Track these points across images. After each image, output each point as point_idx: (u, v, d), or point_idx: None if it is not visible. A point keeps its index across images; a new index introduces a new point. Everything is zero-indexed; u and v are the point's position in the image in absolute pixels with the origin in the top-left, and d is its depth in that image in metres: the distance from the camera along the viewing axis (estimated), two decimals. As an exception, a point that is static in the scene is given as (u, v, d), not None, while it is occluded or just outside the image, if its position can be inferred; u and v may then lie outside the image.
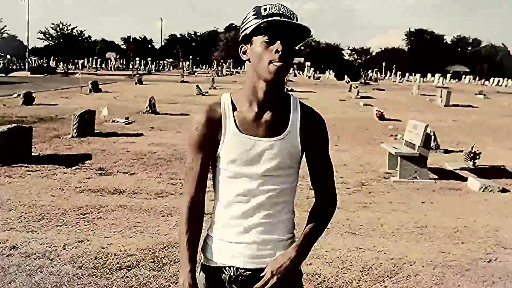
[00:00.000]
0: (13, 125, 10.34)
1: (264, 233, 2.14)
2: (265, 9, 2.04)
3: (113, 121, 15.76)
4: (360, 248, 5.82)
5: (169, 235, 6.00)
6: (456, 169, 10.38)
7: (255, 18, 2.05)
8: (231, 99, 2.18)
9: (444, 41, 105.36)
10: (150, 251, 5.47)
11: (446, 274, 5.23)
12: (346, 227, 6.58)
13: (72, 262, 5.13)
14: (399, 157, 9.50)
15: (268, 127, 2.13)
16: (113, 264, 5.10)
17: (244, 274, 2.13)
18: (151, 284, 4.72)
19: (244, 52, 2.14)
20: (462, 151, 11.49)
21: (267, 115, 2.13)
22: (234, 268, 2.13)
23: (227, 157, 2.12)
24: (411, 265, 5.41)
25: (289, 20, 2.01)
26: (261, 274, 2.09)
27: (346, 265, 5.32)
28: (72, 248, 5.52)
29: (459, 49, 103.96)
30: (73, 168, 9.37)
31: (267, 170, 2.11)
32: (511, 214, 7.54)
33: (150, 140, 12.90)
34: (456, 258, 5.66)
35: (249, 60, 2.12)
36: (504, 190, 8.81)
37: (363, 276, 5.08)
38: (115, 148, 11.50)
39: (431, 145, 11.27)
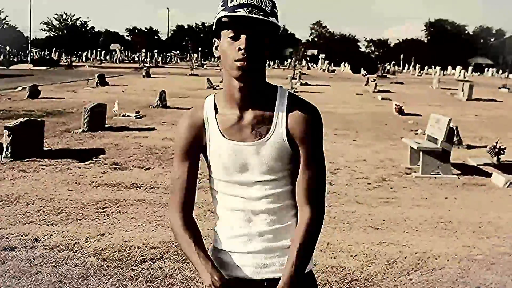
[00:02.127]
0: (25, 118, 10.30)
1: (269, 240, 2.00)
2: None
3: (123, 115, 15.58)
4: (383, 242, 5.78)
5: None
6: (479, 165, 10.22)
7: (222, 10, 1.84)
8: (214, 101, 2.00)
9: (466, 32, 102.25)
10: (172, 244, 5.45)
11: (471, 267, 5.17)
12: (368, 222, 6.54)
13: (96, 254, 5.15)
14: (421, 152, 9.39)
15: (252, 129, 1.93)
16: (137, 257, 5.12)
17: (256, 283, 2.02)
18: (176, 275, 4.73)
19: (216, 47, 1.94)
20: (485, 146, 11.33)
21: (249, 116, 1.94)
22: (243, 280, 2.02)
23: (215, 165, 1.98)
24: (435, 259, 5.36)
25: (255, 13, 1.80)
26: None
27: (371, 258, 5.29)
28: (95, 241, 5.55)
29: (481, 40, 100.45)
30: (87, 162, 9.37)
31: (258, 175, 1.94)
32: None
33: (163, 134, 12.79)
34: (481, 252, 5.59)
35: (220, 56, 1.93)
36: (529, 186, 8.66)
37: (388, 269, 5.05)
38: (128, 143, 11.47)
39: (454, 140, 11.16)
